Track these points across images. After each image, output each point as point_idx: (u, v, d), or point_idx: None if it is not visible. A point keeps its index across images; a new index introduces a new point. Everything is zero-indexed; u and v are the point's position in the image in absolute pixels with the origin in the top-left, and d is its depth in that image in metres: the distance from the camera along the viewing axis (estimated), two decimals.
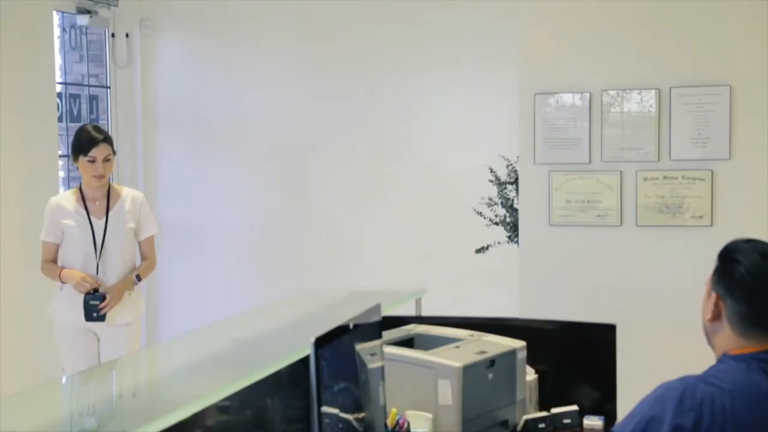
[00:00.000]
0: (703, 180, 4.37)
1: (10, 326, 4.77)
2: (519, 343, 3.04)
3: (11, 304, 4.82)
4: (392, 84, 5.96)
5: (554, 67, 4.59)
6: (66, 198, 4.54)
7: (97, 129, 4.51)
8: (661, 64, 4.42)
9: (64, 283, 4.41)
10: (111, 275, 4.45)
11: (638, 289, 4.47)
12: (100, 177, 4.43)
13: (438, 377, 2.78)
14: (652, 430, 2.06)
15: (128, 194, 4.60)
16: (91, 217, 4.46)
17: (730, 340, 2.30)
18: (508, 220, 5.14)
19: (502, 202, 5.18)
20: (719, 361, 2.27)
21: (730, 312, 2.29)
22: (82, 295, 4.36)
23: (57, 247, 4.48)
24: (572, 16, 4.59)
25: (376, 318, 2.66)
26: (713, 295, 2.31)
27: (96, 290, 4.39)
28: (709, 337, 2.34)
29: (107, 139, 4.48)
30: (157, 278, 6.42)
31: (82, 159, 4.41)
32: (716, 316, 2.30)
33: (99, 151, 4.41)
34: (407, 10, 5.89)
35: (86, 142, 4.41)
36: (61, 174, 5.84)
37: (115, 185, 4.65)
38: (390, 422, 2.70)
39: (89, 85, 6.38)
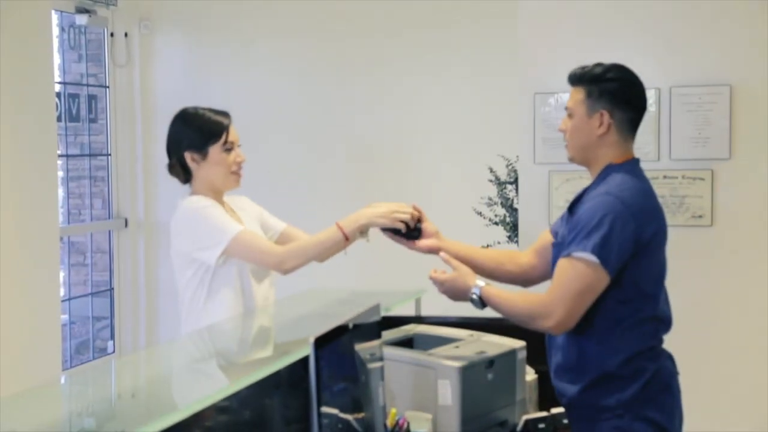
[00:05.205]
0: (703, 179, 4.37)
1: (10, 326, 4.76)
2: (519, 343, 3.03)
3: (11, 304, 4.81)
4: (391, 83, 5.95)
5: (554, 67, 4.58)
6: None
7: (213, 109, 3.26)
8: (661, 64, 4.41)
9: (348, 240, 3.29)
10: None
11: None
12: (240, 169, 3.36)
13: (438, 377, 2.78)
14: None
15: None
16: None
17: (616, 149, 2.71)
18: (507, 219, 5.13)
19: (501, 202, 5.18)
20: (609, 169, 2.68)
21: (619, 121, 2.71)
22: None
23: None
24: (572, 16, 4.58)
25: (376, 318, 2.66)
26: (601, 112, 2.70)
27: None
28: (591, 151, 2.72)
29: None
30: (157, 278, 6.42)
31: (215, 148, 3.21)
32: (608, 129, 2.69)
33: (233, 134, 3.26)
34: (407, 9, 5.88)
35: (214, 124, 3.20)
36: (60, 174, 5.83)
37: None
38: (389, 422, 2.70)
39: (88, 85, 6.38)
